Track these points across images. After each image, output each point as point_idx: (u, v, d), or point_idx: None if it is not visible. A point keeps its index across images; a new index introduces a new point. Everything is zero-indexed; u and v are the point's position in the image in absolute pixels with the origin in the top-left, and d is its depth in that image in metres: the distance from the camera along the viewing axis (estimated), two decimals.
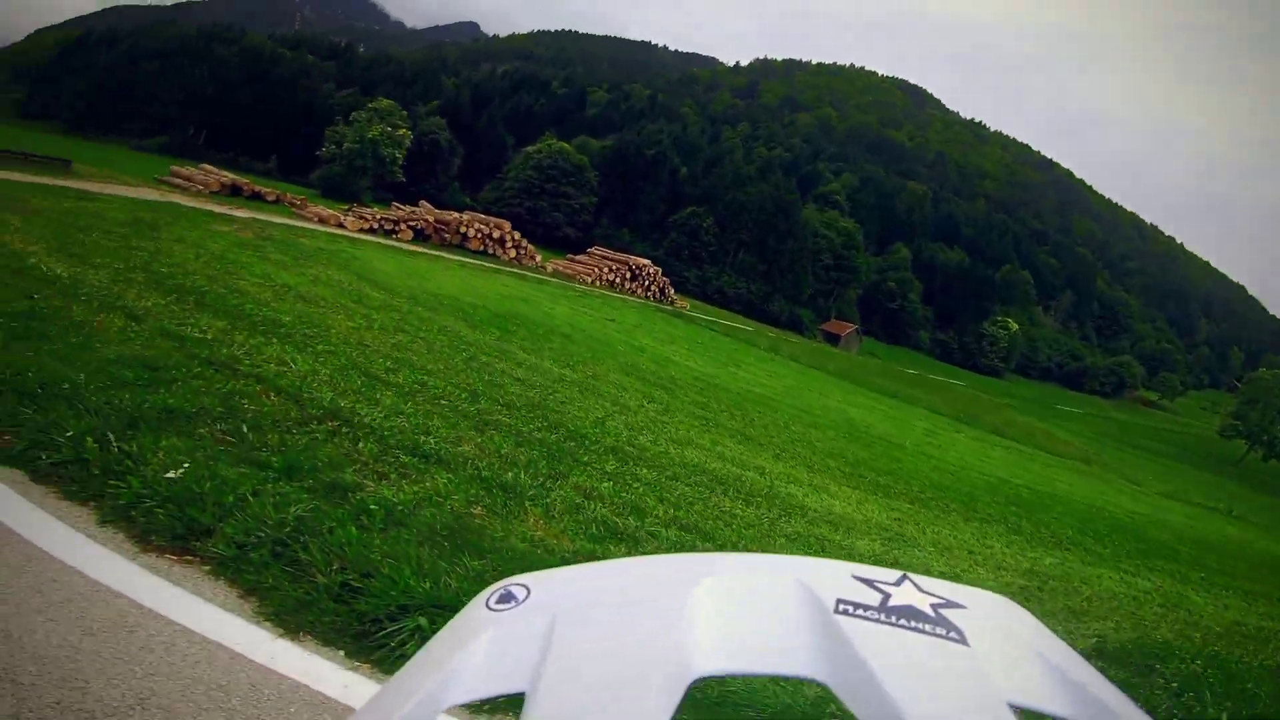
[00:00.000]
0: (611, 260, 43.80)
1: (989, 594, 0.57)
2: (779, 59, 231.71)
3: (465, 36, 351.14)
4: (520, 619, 0.51)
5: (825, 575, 0.54)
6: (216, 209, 21.13)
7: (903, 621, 0.47)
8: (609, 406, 8.62)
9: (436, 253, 28.91)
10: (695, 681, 0.43)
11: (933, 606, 0.50)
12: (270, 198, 31.04)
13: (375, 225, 29.76)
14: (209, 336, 5.91)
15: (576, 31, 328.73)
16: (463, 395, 6.58)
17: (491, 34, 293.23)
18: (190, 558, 2.88)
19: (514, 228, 37.82)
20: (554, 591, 0.55)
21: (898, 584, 0.53)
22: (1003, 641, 0.48)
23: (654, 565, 0.61)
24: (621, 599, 0.54)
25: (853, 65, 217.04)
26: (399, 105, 67.11)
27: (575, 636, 0.47)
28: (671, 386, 12.73)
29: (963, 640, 0.46)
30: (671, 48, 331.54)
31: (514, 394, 7.41)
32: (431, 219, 33.08)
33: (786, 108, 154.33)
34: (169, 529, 2.97)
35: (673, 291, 48.88)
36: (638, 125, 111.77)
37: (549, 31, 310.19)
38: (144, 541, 2.92)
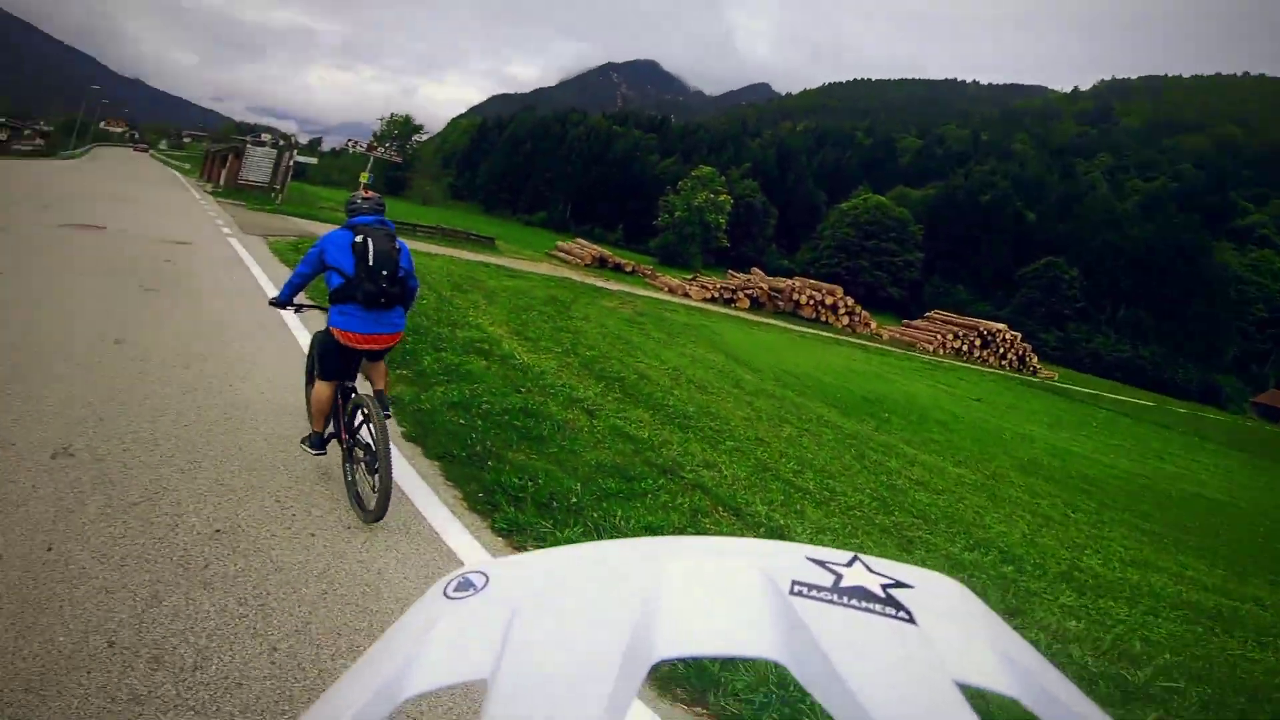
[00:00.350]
0: (956, 325, 37.57)
1: (936, 574, 0.58)
2: (1134, 77, 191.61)
3: (760, 97, 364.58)
4: (479, 606, 0.51)
5: (781, 558, 0.55)
6: (598, 283, 22.76)
7: (854, 602, 0.49)
8: (1030, 518, 7.47)
9: (773, 321, 27.81)
10: (657, 664, 0.44)
11: (883, 587, 0.51)
12: (627, 268, 32.70)
13: (716, 294, 29.82)
14: (647, 435, 5.75)
15: (870, 79, 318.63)
16: (873, 504, 5.95)
17: (784, 92, 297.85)
18: (701, 710, 2.50)
19: (854, 294, 35.26)
20: (513, 579, 0.55)
21: (849, 565, 0.54)
22: (950, 622, 0.49)
23: (613, 550, 0.59)
24: (582, 585, 0.53)
25: (1245, 74, 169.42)
26: (717, 171, 68.50)
27: (536, 623, 0.47)
28: (1089, 488, 10.86)
29: (911, 620, 0.48)
30: (983, 81, 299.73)
31: (921, 502, 6.62)
32: (766, 286, 31.53)
33: (1160, 130, 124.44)
34: (685, 678, 2.61)
35: (1035, 359, 40.40)
36: (963, 169, 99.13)
37: (841, 83, 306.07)
38: (666, 689, 2.56)
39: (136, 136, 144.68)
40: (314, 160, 26.72)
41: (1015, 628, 0.52)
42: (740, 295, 30.00)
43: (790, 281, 32.22)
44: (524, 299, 13.02)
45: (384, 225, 3.48)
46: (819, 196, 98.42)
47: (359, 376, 3.67)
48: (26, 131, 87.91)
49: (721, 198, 63.80)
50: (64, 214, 11.20)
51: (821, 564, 0.54)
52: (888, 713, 0.39)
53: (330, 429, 3.58)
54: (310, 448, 3.53)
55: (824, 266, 78.06)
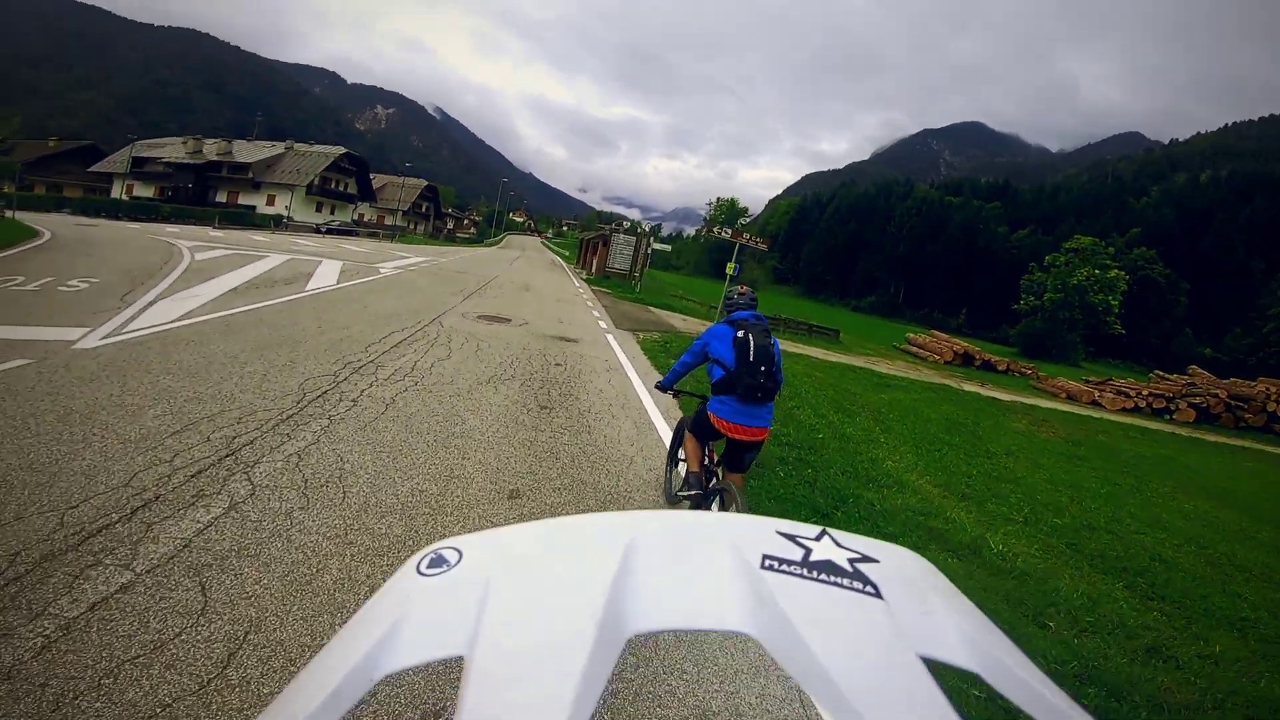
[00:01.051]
0: None
1: (901, 549, 0.59)
2: None
3: (1129, 149, 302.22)
4: (453, 583, 0.50)
5: (752, 532, 0.55)
6: (978, 389, 18.53)
7: (823, 576, 0.49)
8: None
9: (1247, 443, 18.91)
10: (631, 639, 0.44)
11: (850, 561, 0.52)
12: (1000, 367, 26.66)
13: (1142, 402, 21.76)
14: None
15: None
16: None
17: (1168, 139, 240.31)
18: None
19: None
20: (486, 554, 0.54)
21: (818, 539, 0.55)
22: (914, 596, 0.50)
23: (586, 524, 0.59)
24: (555, 559, 0.53)
25: None
26: (1101, 241, 55.16)
27: (510, 598, 0.47)
28: None
29: (877, 594, 0.48)
30: None
31: None
32: (1223, 393, 21.13)
33: None
34: None
35: None
36: None
37: (1251, 121, 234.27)
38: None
39: (532, 226, 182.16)
40: (668, 248, 27.60)
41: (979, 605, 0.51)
42: (1182, 405, 21.49)
43: (1259, 385, 22.20)
44: (918, 422, 10.28)
45: (759, 320, 3.55)
46: (1253, 264, 73.91)
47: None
48: (466, 221, 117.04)
49: (1112, 273, 51.20)
50: (485, 305, 12.09)
51: (791, 538, 0.54)
52: (856, 684, 0.39)
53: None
54: (691, 489, 3.55)
55: (1275, 354, 56.87)
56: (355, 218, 59.59)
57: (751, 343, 3.33)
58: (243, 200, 49.47)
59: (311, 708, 0.40)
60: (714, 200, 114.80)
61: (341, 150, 55.66)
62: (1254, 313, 63.06)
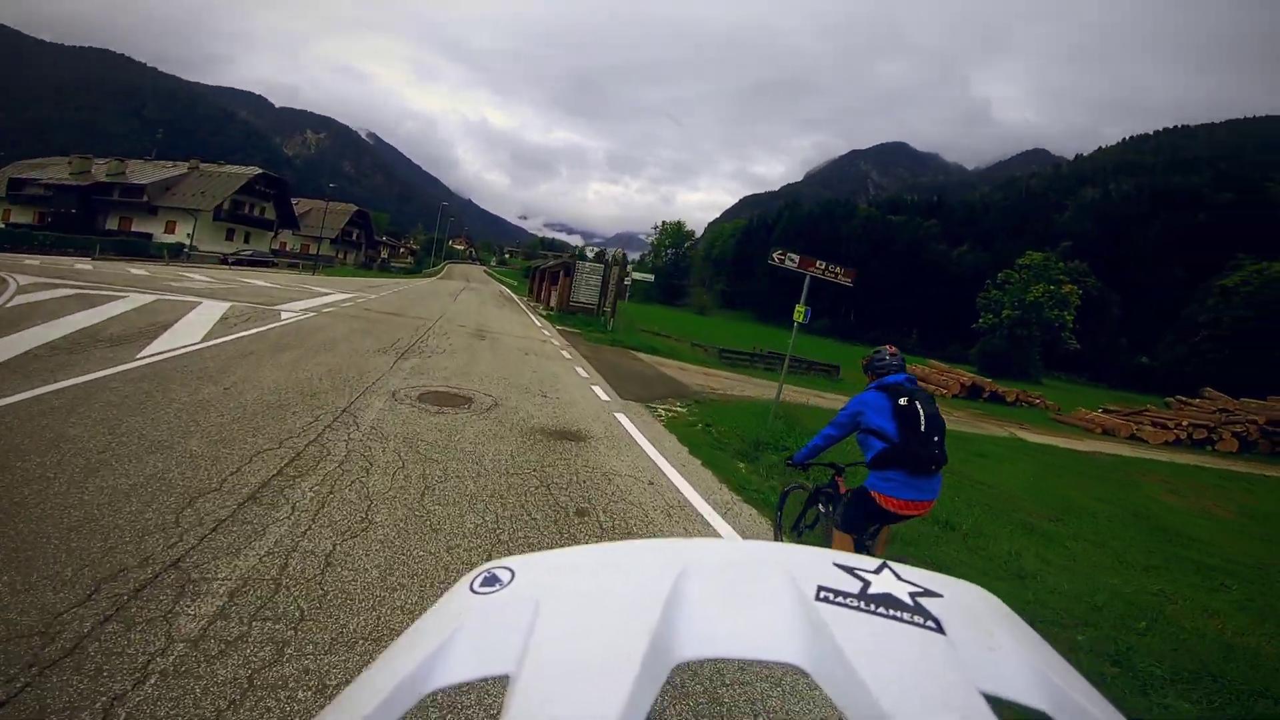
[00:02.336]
0: None
1: (967, 584, 0.57)
2: None
3: (1036, 164, 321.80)
4: (504, 602, 0.50)
5: (808, 563, 0.54)
6: (1018, 431, 15.53)
7: (881, 609, 0.47)
8: None
9: None
10: (678, 666, 0.43)
11: (911, 595, 0.50)
12: (1010, 399, 24.54)
13: (1182, 434, 19.63)
14: None
15: (1186, 126, 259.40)
16: None
17: (1072, 155, 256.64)
18: None
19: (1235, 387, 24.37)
20: (538, 575, 0.54)
21: (877, 572, 0.53)
22: (979, 632, 0.48)
23: (638, 550, 0.59)
24: (606, 583, 0.52)
25: None
26: (1055, 255, 55.44)
27: (559, 620, 0.46)
28: None
29: (940, 629, 0.46)
30: None
31: None
32: (1260, 418, 19.41)
33: None
34: None
35: None
36: None
37: (1148, 135, 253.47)
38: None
39: (474, 254, 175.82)
40: (650, 278, 23.89)
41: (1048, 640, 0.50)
42: (1224, 433, 19.41)
43: None
44: (1087, 520, 7.19)
45: (914, 384, 3.25)
46: (1173, 273, 76.82)
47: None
48: (401, 249, 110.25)
49: (1065, 289, 50.99)
50: (428, 368, 8.18)
51: (849, 570, 0.53)
52: None
53: None
54: None
55: (1210, 363, 58.15)
56: (277, 246, 53.67)
57: (921, 411, 3.06)
58: (138, 227, 43.07)
59: (363, 714, 0.40)
60: (660, 224, 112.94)
61: (256, 170, 49.91)
62: (1179, 321, 64.73)
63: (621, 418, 7.60)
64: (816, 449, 3.55)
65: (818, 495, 3.97)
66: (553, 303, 27.47)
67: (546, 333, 17.87)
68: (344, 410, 5.93)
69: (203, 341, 8.16)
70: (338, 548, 3.15)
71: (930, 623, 0.47)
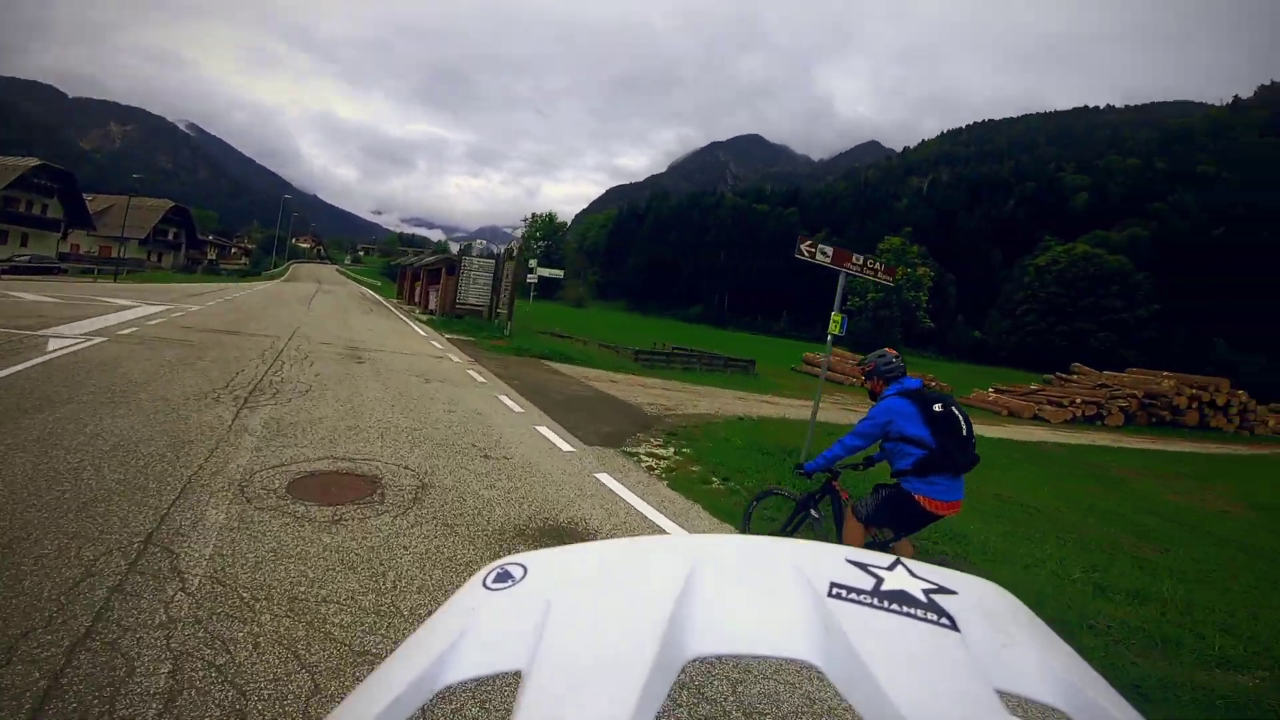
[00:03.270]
0: None
1: (981, 580, 0.56)
2: None
3: (873, 156, 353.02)
4: (517, 598, 0.50)
5: (820, 559, 0.54)
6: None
7: (894, 606, 0.47)
8: None
9: (1184, 445, 17.75)
10: (690, 662, 0.43)
11: (924, 592, 0.50)
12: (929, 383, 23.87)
13: (1078, 411, 20.44)
14: None
15: (992, 120, 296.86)
16: None
17: (900, 148, 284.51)
18: None
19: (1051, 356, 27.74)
20: (550, 571, 0.54)
21: (890, 568, 0.53)
22: (993, 629, 0.48)
23: (650, 546, 0.59)
24: (618, 579, 0.52)
25: None
26: (907, 240, 59.51)
27: (571, 616, 0.46)
28: None
29: (954, 626, 0.46)
30: (1118, 105, 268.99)
31: None
32: (1139, 392, 21.13)
33: None
34: None
35: None
36: (1170, 200, 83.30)
37: (961, 129, 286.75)
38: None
39: (323, 253, 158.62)
40: (559, 273, 20.85)
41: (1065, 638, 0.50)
42: (1111, 408, 20.57)
43: (1164, 380, 22.28)
44: (1150, 519, 6.65)
45: (921, 384, 3.35)
46: (993, 256, 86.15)
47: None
48: (234, 249, 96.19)
49: (920, 271, 54.76)
50: (293, 421, 5.19)
51: (862, 566, 0.52)
52: (925, 719, 0.37)
53: None
54: None
55: (1030, 335, 65.68)
56: (67, 249, 43.73)
57: (960, 417, 3.15)
58: None
59: (375, 711, 0.40)
60: (529, 216, 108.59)
61: (33, 161, 40.08)
62: (1001, 298, 72.47)
63: (608, 482, 5.25)
64: (835, 458, 3.50)
65: (809, 501, 3.85)
66: (432, 305, 23.87)
67: (437, 345, 14.73)
68: (145, 541, 3.13)
69: None
70: None
71: (944, 620, 0.46)
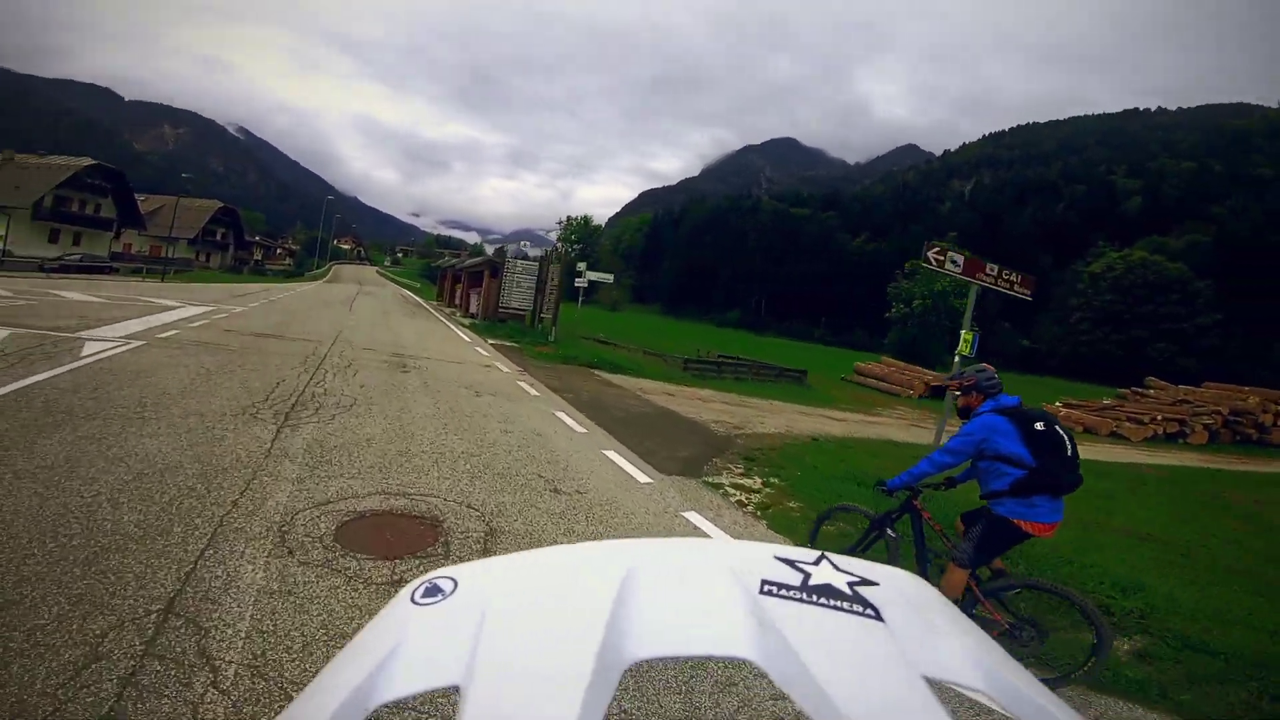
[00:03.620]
0: None
1: (901, 572, 0.58)
2: None
3: (911, 160, 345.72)
4: (448, 612, 0.49)
5: (750, 557, 0.54)
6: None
7: (822, 600, 0.48)
8: None
9: (1275, 464, 15.62)
10: (630, 666, 0.43)
11: (849, 585, 0.51)
12: None
13: (1159, 429, 18.67)
14: None
15: (1036, 123, 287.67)
16: None
17: (940, 151, 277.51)
18: None
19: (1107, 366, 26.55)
20: (482, 583, 0.53)
21: (816, 564, 0.54)
22: (916, 618, 0.49)
23: (582, 553, 0.58)
24: (552, 587, 0.52)
25: None
26: (955, 245, 57.22)
27: (507, 627, 0.46)
28: None
29: (878, 617, 0.47)
30: (1171, 107, 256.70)
31: None
32: (1224, 409, 19.31)
33: None
34: None
35: None
36: (1228, 204, 79.05)
37: (1004, 132, 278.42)
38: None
39: (363, 254, 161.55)
40: (609, 277, 19.70)
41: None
42: (1195, 426, 18.97)
43: (1250, 397, 20.51)
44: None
45: (1019, 403, 3.20)
46: (1042, 259, 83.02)
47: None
48: (279, 250, 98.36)
49: None
50: (338, 446, 4.70)
51: (790, 563, 0.53)
52: (859, 708, 0.38)
53: None
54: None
55: (1084, 343, 62.69)
56: (121, 249, 44.89)
57: (1065, 437, 3.01)
58: None
59: None
60: (564, 219, 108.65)
61: (86, 161, 41.13)
62: (1052, 305, 69.35)
63: (700, 522, 4.43)
64: (922, 475, 3.33)
65: (885, 520, 3.63)
66: (473, 308, 23.39)
67: (483, 352, 14.13)
68: (166, 609, 2.48)
69: None
70: None
71: (869, 611, 0.47)
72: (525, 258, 21.00)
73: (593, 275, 16.84)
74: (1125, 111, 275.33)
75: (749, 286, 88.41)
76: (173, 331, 10.31)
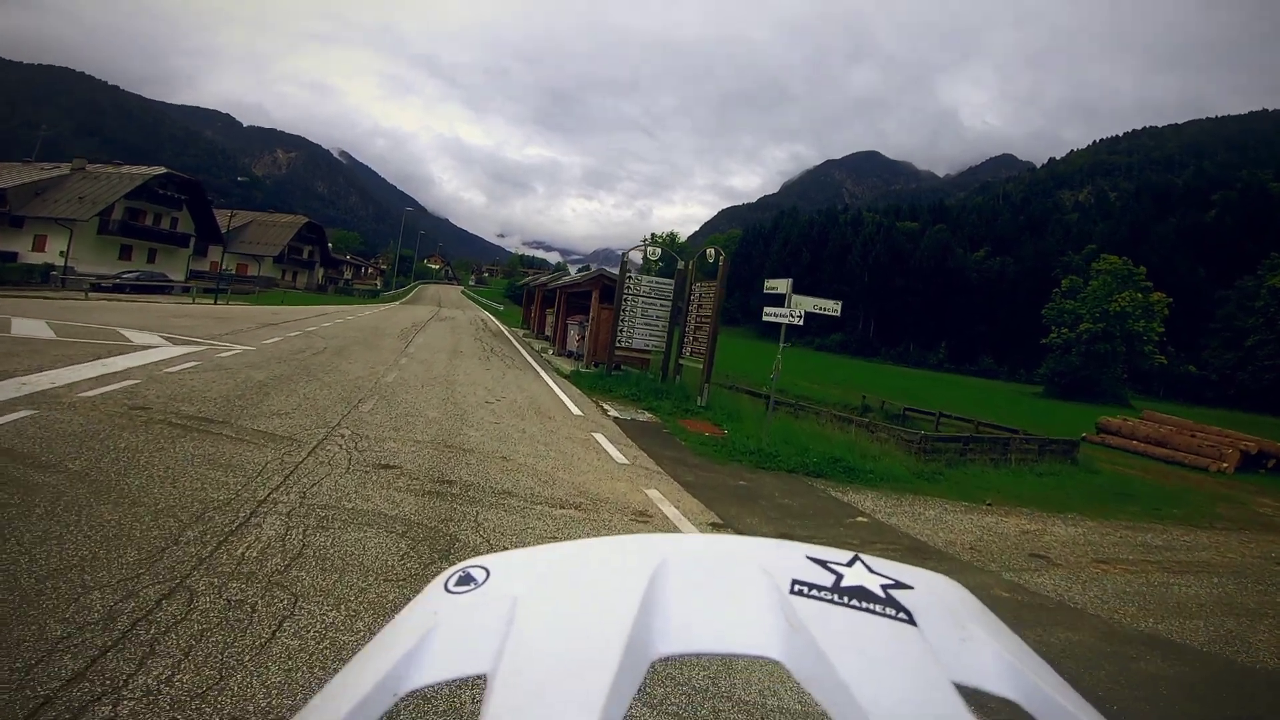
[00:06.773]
0: None
1: (937, 575, 0.57)
2: None
3: (1008, 170, 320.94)
4: (480, 601, 0.49)
5: (781, 557, 0.54)
6: None
7: (854, 602, 0.48)
8: None
9: None
10: (656, 661, 0.43)
11: (883, 587, 0.50)
12: None
13: None
14: None
15: (1156, 127, 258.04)
16: None
17: (1041, 160, 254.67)
18: None
19: None
20: (514, 573, 0.53)
21: (850, 565, 0.53)
22: (949, 623, 0.48)
23: (615, 546, 0.59)
24: (582, 580, 0.52)
25: None
26: (1130, 261, 46.74)
27: (536, 618, 0.46)
28: None
29: (911, 621, 0.47)
30: None
31: None
32: None
33: None
34: None
35: None
36: None
37: (1118, 137, 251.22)
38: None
39: (449, 274, 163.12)
40: (835, 306, 10.17)
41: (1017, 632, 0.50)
42: None
43: None
44: None
45: None
46: (1196, 273, 69.76)
47: None
48: (367, 269, 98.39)
49: (1154, 297, 42.56)
50: None
51: (822, 563, 0.53)
52: (886, 713, 0.38)
53: None
54: None
55: (1267, 370, 50.47)
56: (207, 268, 42.56)
57: None
58: None
59: (337, 718, 0.40)
60: (649, 236, 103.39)
61: (159, 170, 38.80)
62: (1218, 325, 57.26)
63: None
64: None
65: None
66: (572, 344, 17.06)
67: (602, 440, 7.72)
68: None
69: None
70: None
71: (902, 614, 0.47)
72: (650, 274, 14.62)
73: (808, 303, 9.28)
74: (1252, 114, 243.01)
75: (852, 307, 79.64)
76: (81, 394, 4.58)
